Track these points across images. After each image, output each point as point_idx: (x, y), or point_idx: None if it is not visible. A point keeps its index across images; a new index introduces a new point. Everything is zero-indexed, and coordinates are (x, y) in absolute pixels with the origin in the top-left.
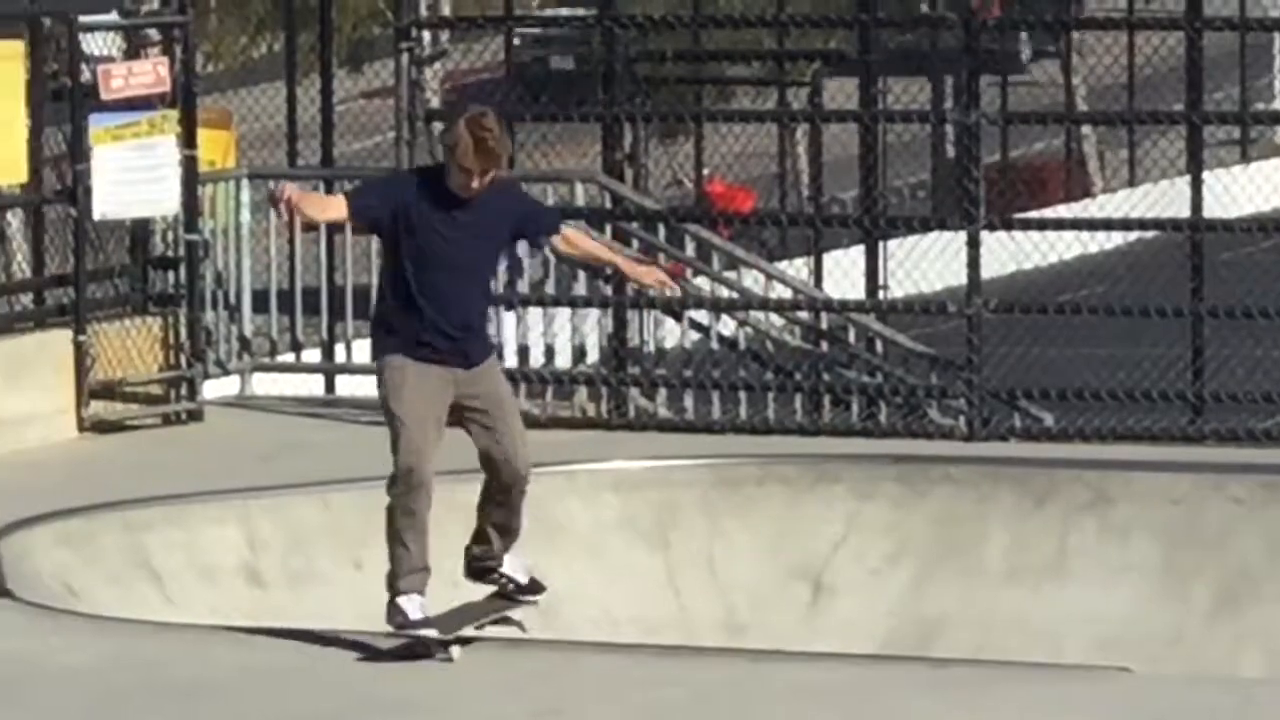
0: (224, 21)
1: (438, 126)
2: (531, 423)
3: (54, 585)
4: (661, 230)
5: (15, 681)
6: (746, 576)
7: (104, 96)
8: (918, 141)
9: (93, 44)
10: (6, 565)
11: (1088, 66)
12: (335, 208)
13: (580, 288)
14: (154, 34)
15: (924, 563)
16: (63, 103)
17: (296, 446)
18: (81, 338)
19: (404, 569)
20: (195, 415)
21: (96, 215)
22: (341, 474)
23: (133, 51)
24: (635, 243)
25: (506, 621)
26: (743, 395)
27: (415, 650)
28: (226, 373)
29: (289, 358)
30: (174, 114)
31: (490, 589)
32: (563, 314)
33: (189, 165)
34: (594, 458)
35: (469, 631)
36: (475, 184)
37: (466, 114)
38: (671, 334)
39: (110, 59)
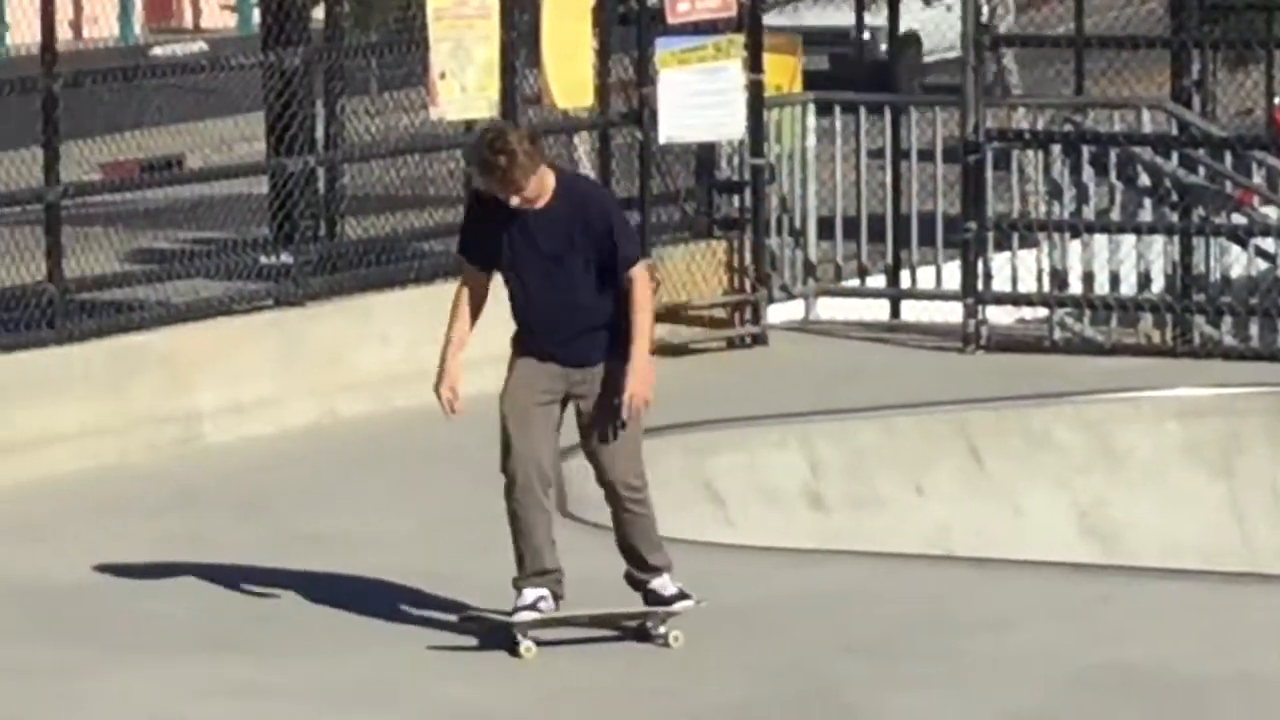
0: None
1: (1005, 51)
2: (1096, 349)
3: None
4: (1229, 158)
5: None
6: None
7: (670, 20)
8: None
9: None
10: (573, 486)
11: None
12: (466, 294)
13: (1146, 214)
14: None
15: None
16: (630, 26)
17: (859, 371)
18: (648, 260)
19: (519, 569)
20: (759, 339)
21: (662, 139)
22: (903, 399)
23: None
24: (1201, 170)
25: (631, 619)
26: None
27: (480, 633)
28: (791, 297)
29: (853, 283)
30: (740, 38)
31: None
32: (1128, 241)
33: (755, 90)
34: (1158, 385)
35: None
36: (516, 201)
37: (485, 133)
38: (1238, 261)
39: None
